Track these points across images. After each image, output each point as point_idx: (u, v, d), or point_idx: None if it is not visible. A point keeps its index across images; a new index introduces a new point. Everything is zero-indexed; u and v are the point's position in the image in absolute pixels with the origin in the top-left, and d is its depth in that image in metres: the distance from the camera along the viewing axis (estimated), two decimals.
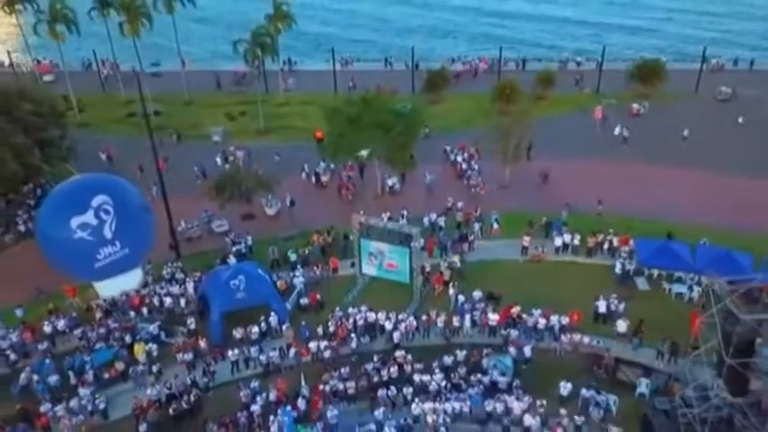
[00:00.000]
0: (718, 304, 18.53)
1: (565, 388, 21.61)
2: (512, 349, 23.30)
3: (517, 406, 20.83)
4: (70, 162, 37.93)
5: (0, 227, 34.19)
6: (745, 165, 37.58)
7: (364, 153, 34.32)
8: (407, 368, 22.82)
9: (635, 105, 46.66)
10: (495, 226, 31.25)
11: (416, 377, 22.36)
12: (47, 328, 25.06)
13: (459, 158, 39.25)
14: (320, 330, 24.64)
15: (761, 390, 18.62)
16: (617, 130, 42.24)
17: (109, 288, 26.41)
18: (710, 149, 40.32)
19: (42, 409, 21.50)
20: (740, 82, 51.32)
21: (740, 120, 44.40)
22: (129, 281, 26.73)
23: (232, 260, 28.66)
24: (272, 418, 20.66)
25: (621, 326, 24.21)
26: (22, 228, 34.03)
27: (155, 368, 23.39)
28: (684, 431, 19.37)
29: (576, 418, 20.31)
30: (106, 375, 23.28)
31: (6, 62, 60.37)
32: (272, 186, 33.92)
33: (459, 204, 33.09)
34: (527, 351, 23.23)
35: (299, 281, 27.31)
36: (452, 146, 40.97)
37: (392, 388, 21.92)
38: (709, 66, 55.32)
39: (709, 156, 39.18)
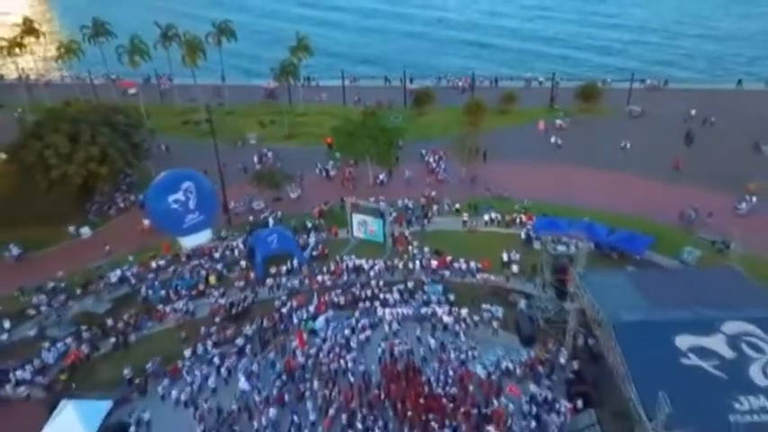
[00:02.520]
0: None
1: (473, 303, 35.54)
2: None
3: (440, 311, 34.88)
4: (149, 160, 52.69)
5: (106, 204, 49.13)
6: (640, 168, 50.91)
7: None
8: (377, 291, 36.98)
9: (558, 121, 59.82)
10: (446, 208, 45.29)
11: (381, 295, 36.47)
12: (153, 264, 39.75)
13: (431, 160, 53.23)
14: (325, 269, 38.93)
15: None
16: (552, 140, 55.85)
17: (189, 241, 40.95)
18: (619, 156, 53.70)
19: (159, 307, 36.18)
20: (669, 99, 64.38)
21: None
22: (202, 237, 41.25)
23: (270, 223, 43.20)
24: (292, 316, 35.00)
25: (515, 268, 38.05)
26: (121, 205, 48.94)
27: (221, 289, 37.89)
28: (537, 326, 33.25)
29: (474, 317, 34.32)
30: (193, 292, 37.87)
31: (86, 79, 75.51)
32: (293, 178, 48.26)
33: (433, 193, 47.19)
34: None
35: (312, 240, 41.64)
36: (428, 150, 54.94)
37: (367, 302, 36.09)
38: (647, 85, 68.38)
39: (617, 160, 52.62)
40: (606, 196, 46.12)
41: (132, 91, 70.40)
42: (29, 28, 70.77)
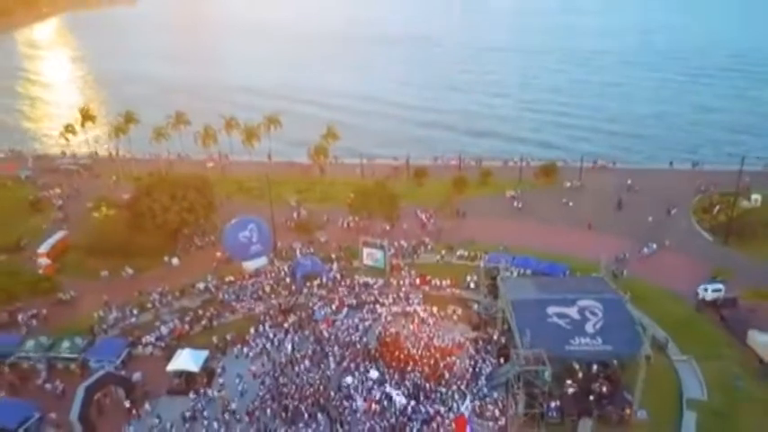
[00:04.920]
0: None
1: (448, 309, 53.14)
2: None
3: (419, 309, 52.57)
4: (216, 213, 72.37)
5: (188, 243, 68.51)
6: (570, 223, 68.93)
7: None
8: (377, 297, 54.89)
9: (511, 192, 78.25)
10: (429, 247, 63.75)
11: (380, 300, 54.36)
12: (227, 279, 58.50)
13: (423, 217, 72.19)
14: (343, 284, 57.17)
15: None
16: (515, 203, 74.71)
17: (252, 265, 59.69)
18: (560, 214, 71.95)
19: (232, 304, 54.57)
20: (613, 175, 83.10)
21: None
22: (260, 262, 60.00)
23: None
24: (321, 311, 53.04)
25: (472, 285, 55.79)
26: (199, 243, 68.31)
27: (272, 295, 56.18)
28: (481, 318, 50.62)
29: (441, 313, 51.89)
30: (254, 296, 56.22)
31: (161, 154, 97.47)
32: (323, 228, 67.39)
33: (425, 239, 65.78)
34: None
35: (334, 265, 60.15)
36: (421, 210, 73.90)
37: (370, 304, 53.95)
38: (598, 165, 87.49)
39: (558, 218, 70.81)
40: (545, 241, 64.02)
41: (211, 165, 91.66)
42: (86, 114, 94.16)
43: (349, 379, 44.38)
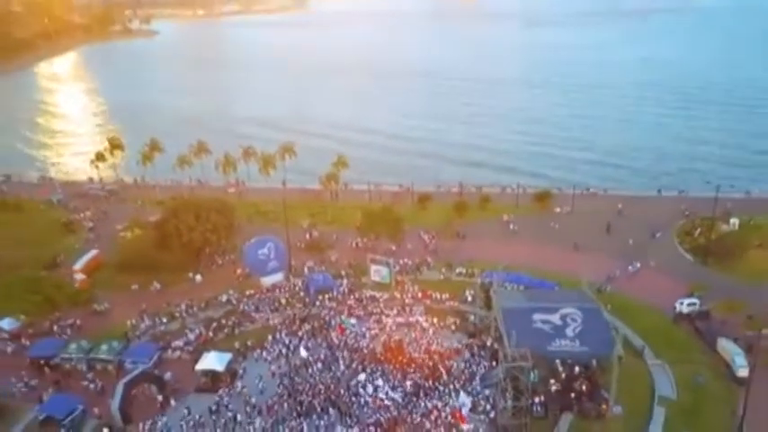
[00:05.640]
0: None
1: (447, 320, 58.68)
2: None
3: (421, 319, 58.14)
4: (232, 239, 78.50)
5: (209, 262, 74.58)
6: (560, 244, 74.54)
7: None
8: (383, 309, 60.52)
9: (506, 216, 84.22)
10: (431, 265, 69.56)
11: (386, 311, 59.99)
12: (247, 293, 64.39)
13: (426, 237, 78.15)
14: (352, 297, 62.88)
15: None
16: (511, 227, 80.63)
17: (269, 280, 65.64)
18: (547, 236, 77.57)
19: (252, 315, 60.36)
20: (604, 201, 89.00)
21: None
22: (277, 277, 65.95)
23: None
24: (332, 320, 58.68)
25: (469, 298, 61.36)
26: (219, 262, 74.40)
27: (287, 307, 61.95)
28: (476, 327, 56.13)
29: (441, 323, 57.43)
30: (272, 308, 61.98)
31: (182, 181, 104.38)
32: (334, 247, 73.44)
33: (428, 258, 71.65)
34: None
35: (344, 281, 65.96)
36: (424, 232, 79.87)
37: (376, 315, 59.57)
38: (590, 192, 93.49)
39: (550, 240, 76.43)
40: (537, 260, 69.47)
41: (232, 190, 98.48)
42: (114, 143, 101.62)
43: (362, 376, 49.92)
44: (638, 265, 68.88)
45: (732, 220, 75.98)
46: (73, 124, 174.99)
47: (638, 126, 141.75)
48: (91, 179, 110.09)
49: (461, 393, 46.70)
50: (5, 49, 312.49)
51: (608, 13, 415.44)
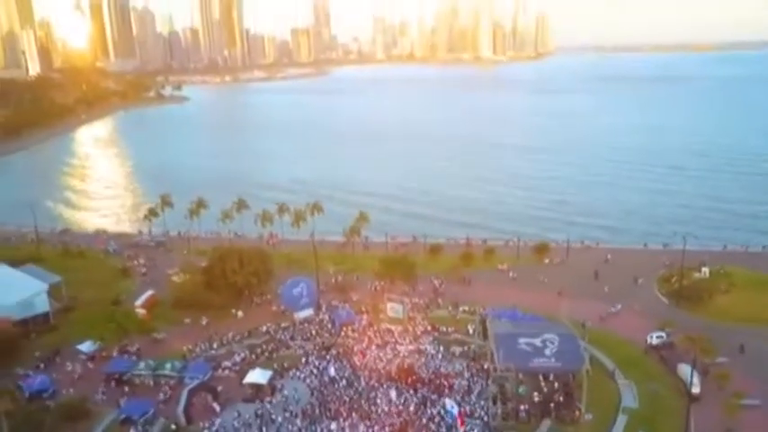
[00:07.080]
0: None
1: (452, 349, 69.78)
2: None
3: (430, 348, 69.23)
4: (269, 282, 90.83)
5: (249, 301, 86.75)
6: (552, 290, 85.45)
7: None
8: (398, 339, 71.77)
9: (502, 265, 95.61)
10: (440, 305, 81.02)
11: (400, 341, 71.21)
12: (282, 325, 76.25)
13: (436, 282, 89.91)
14: (371, 329, 74.34)
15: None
16: (510, 274, 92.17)
17: (302, 314, 77.49)
18: (541, 283, 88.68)
19: (289, 342, 72.02)
20: (595, 252, 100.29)
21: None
22: (308, 312, 77.83)
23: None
24: (355, 347, 70.09)
25: (470, 330, 72.46)
26: (257, 301, 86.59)
27: (317, 337, 73.52)
28: (475, 353, 67.08)
29: (446, 351, 68.49)
30: (305, 338, 73.61)
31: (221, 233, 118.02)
32: (356, 289, 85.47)
33: (438, 300, 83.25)
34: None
35: (365, 316, 77.58)
36: (435, 278, 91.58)
37: (392, 344, 70.80)
38: (584, 245, 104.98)
39: (542, 286, 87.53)
40: (531, 302, 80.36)
41: (273, 241, 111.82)
42: (165, 200, 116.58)
43: (380, 391, 61.00)
44: (619, 306, 79.61)
45: (704, 269, 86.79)
46: (117, 183, 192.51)
47: (630, 186, 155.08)
48: (140, 231, 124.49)
49: (447, 400, 57.27)
50: (50, 115, 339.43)
51: (611, 78, 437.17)
